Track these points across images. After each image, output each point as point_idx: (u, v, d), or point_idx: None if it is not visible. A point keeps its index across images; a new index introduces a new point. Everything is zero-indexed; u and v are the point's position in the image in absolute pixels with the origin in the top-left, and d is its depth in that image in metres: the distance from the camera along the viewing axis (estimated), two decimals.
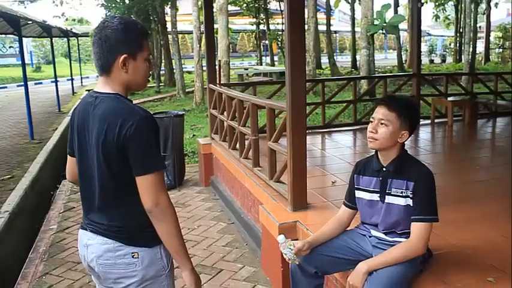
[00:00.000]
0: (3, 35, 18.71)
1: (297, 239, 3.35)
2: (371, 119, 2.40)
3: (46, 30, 15.94)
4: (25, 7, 21.33)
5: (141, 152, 1.77)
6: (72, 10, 58.90)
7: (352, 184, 2.60)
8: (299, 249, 2.47)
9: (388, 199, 2.42)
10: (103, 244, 1.90)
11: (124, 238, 1.88)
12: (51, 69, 19.26)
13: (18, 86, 22.79)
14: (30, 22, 12.11)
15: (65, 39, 21.37)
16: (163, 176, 1.82)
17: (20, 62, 11.67)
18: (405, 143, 2.42)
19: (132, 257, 1.88)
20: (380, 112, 2.35)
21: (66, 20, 25.20)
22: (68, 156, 2.10)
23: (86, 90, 18.80)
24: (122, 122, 1.75)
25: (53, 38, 17.68)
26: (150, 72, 1.97)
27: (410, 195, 2.35)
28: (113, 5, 19.58)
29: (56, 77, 16.42)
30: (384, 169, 2.43)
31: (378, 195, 2.46)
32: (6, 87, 24.61)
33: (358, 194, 2.55)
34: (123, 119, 1.75)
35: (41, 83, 26.34)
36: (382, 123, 2.34)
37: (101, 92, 1.86)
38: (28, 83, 10.65)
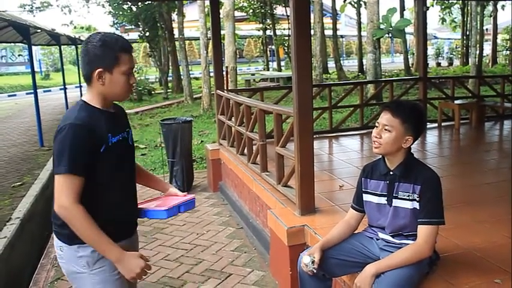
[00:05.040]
0: (13, 44, 18.89)
1: (304, 243, 3.39)
2: (376, 124, 2.43)
3: (55, 38, 16.07)
4: (34, 16, 21.40)
5: (56, 154, 1.93)
6: (80, 18, 59.35)
7: (360, 188, 2.63)
8: (319, 259, 2.49)
9: (396, 202, 2.44)
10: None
11: (55, 232, 2.07)
12: (59, 77, 19.38)
13: (27, 93, 22.98)
14: (39, 30, 12.21)
15: (73, 46, 21.47)
16: (70, 181, 1.90)
17: (29, 70, 11.78)
18: (412, 146, 2.45)
19: (60, 250, 2.05)
20: (384, 118, 2.38)
21: (75, 27, 25.32)
22: None
23: None
24: (59, 125, 1.98)
25: (62, 46, 17.80)
26: (134, 84, 2.07)
27: (417, 199, 2.38)
28: (121, 13, 19.74)
29: (64, 84, 16.52)
30: (391, 173, 2.46)
31: (386, 198, 2.48)
32: (15, 95, 24.81)
33: (366, 197, 2.58)
34: (60, 122, 1.98)
35: (49, 90, 26.52)
36: (386, 129, 2.37)
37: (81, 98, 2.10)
38: (37, 90, 10.76)
